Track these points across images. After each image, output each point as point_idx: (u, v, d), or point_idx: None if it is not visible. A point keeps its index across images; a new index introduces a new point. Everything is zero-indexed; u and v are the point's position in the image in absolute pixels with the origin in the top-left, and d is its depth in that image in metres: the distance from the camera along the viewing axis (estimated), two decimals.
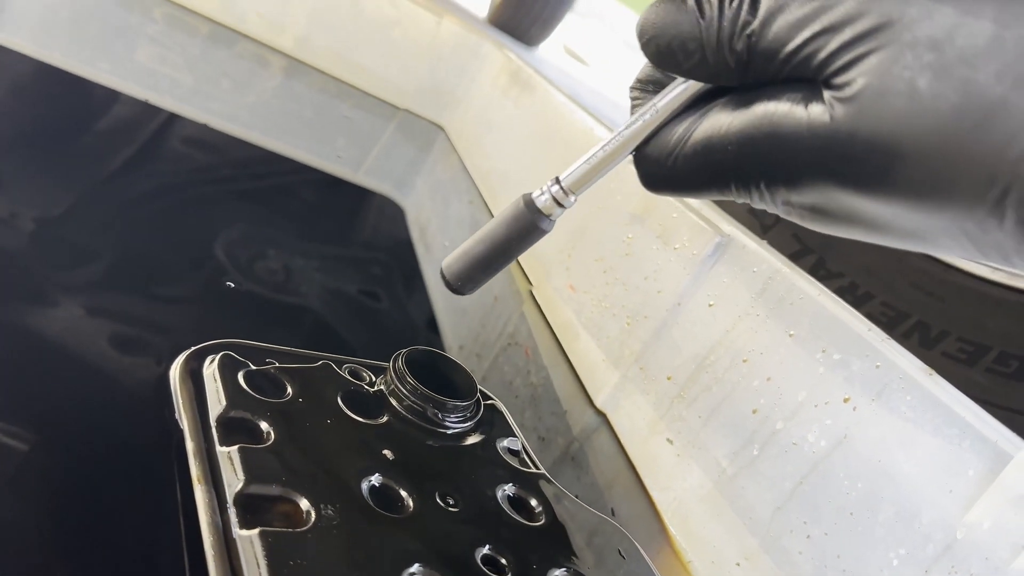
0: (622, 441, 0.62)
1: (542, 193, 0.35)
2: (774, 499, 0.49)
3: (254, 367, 0.44)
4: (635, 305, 0.65)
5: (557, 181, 0.34)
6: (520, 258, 0.84)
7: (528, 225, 0.35)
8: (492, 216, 0.89)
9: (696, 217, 0.60)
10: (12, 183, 0.68)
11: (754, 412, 0.52)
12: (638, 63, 0.34)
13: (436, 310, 0.92)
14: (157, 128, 0.93)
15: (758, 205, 0.29)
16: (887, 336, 0.46)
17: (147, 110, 0.92)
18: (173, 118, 0.94)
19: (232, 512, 0.35)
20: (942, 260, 0.72)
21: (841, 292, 0.75)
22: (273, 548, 0.34)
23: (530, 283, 0.79)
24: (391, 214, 1.10)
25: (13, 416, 0.42)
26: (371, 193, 1.09)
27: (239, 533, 0.34)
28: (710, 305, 0.58)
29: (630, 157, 0.33)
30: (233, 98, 0.96)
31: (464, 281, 0.37)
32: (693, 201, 0.62)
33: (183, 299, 0.65)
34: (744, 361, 0.53)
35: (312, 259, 0.85)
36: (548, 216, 0.35)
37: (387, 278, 0.93)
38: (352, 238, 1.00)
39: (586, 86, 1.41)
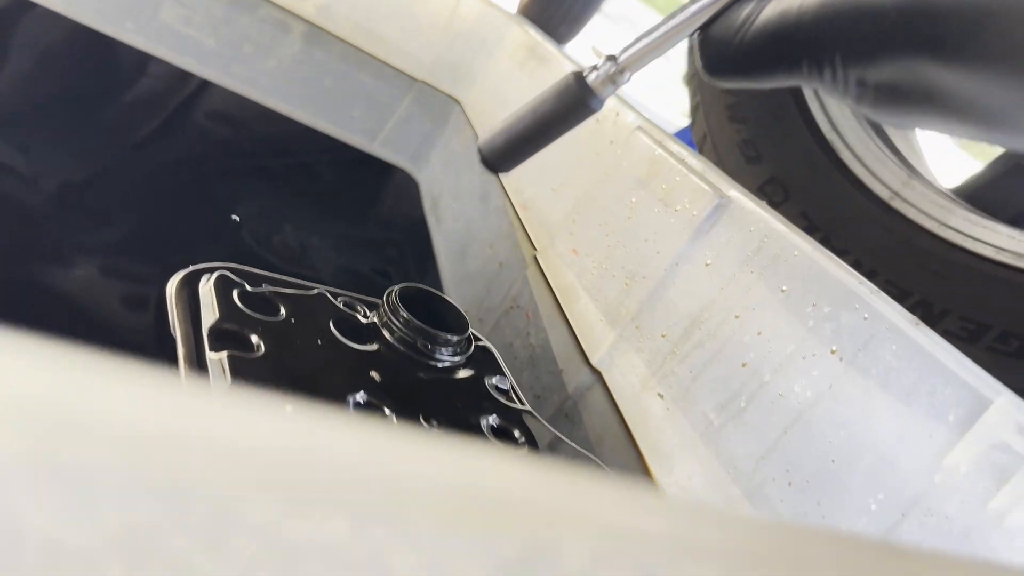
0: (615, 397, 0.62)
1: (594, 70, 0.33)
2: (758, 449, 0.49)
3: (250, 288, 0.45)
4: (634, 266, 0.65)
5: (613, 59, 0.32)
6: (526, 223, 0.84)
7: (577, 102, 0.33)
8: (503, 190, 0.90)
9: (699, 180, 0.61)
10: (38, 146, 0.70)
11: (744, 366, 0.52)
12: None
13: (443, 279, 0.93)
14: (182, 101, 0.96)
15: (828, 88, 0.27)
16: (877, 288, 0.46)
17: (172, 81, 0.94)
18: (198, 90, 0.96)
19: None
20: (947, 240, 0.71)
21: None
22: None
23: (535, 248, 0.79)
24: (406, 188, 1.11)
25: None
26: (388, 167, 1.10)
27: None
28: (707, 264, 0.58)
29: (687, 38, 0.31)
30: (255, 62, 0.98)
31: (503, 158, 0.35)
32: (696, 164, 0.62)
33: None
34: (736, 317, 0.54)
35: (327, 236, 0.86)
36: (598, 95, 0.33)
37: (399, 257, 0.95)
38: (368, 214, 1.02)
39: None
